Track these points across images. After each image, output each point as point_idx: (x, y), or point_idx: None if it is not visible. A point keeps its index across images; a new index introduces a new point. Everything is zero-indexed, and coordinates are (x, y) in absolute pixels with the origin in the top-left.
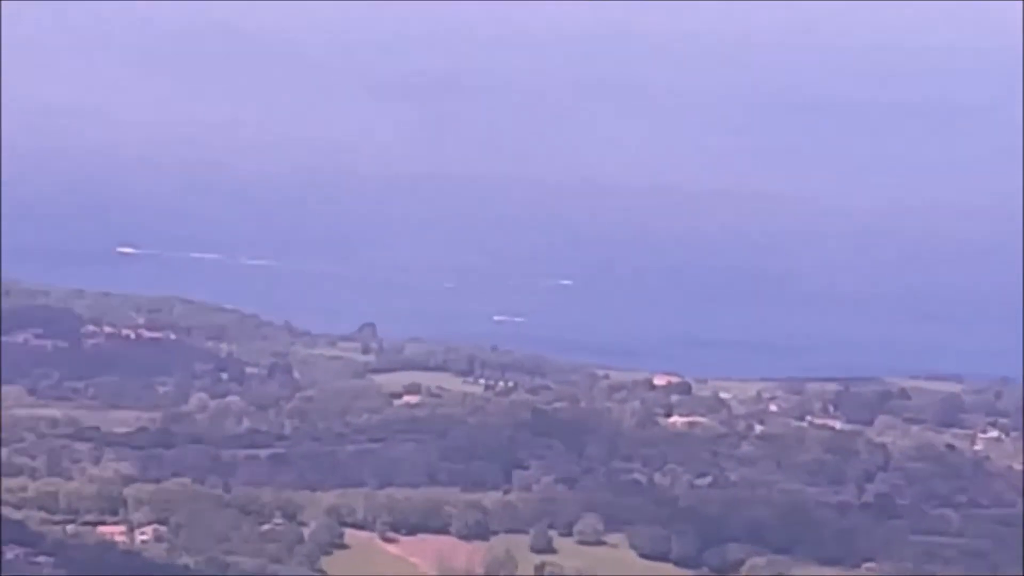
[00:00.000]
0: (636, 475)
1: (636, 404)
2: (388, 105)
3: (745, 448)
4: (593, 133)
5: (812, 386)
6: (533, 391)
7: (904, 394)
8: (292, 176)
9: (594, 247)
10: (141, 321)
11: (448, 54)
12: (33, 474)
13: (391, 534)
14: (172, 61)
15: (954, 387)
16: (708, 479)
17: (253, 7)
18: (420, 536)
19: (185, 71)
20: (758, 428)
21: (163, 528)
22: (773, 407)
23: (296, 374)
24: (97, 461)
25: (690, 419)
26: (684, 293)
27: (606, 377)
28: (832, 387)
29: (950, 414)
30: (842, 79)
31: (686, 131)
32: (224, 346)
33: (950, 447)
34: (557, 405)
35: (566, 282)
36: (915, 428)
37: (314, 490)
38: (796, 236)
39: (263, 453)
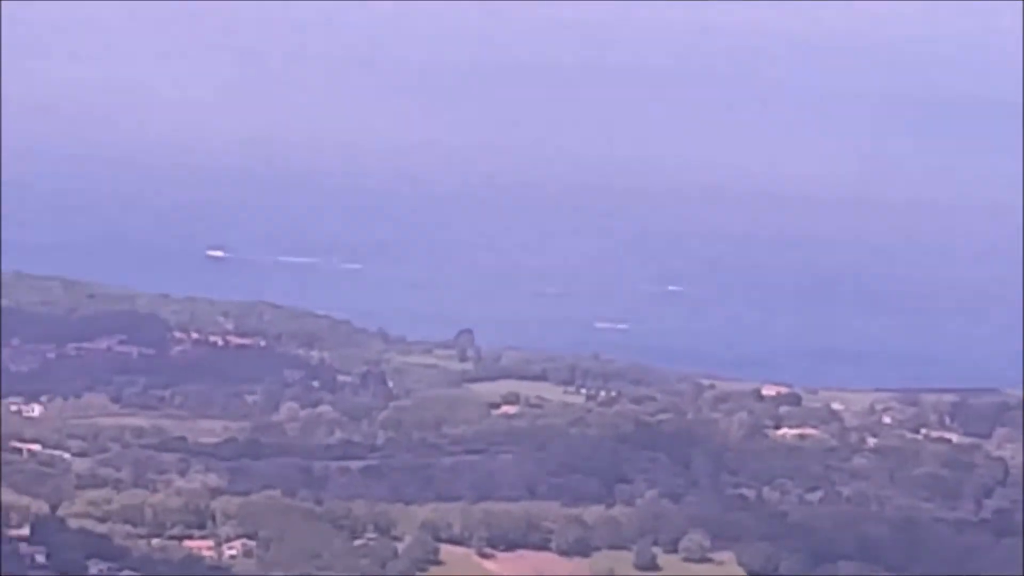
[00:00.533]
0: (744, 489)
1: (744, 415)
2: (480, 104)
3: (857, 461)
4: (705, 136)
5: (928, 397)
6: (637, 401)
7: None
8: (388, 181)
9: (704, 253)
10: (229, 327)
11: (558, 48)
12: (117, 486)
13: (488, 550)
14: (273, 69)
15: None
16: (819, 494)
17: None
18: (518, 552)
19: (278, 77)
20: (871, 441)
21: (252, 542)
22: (887, 419)
23: (390, 383)
24: (184, 472)
25: (800, 431)
26: (795, 301)
27: (712, 387)
28: (949, 398)
29: None
30: (981, 79)
31: (804, 134)
32: (315, 353)
33: None
34: (661, 416)
35: (674, 288)
36: None
37: (408, 503)
38: (910, 243)
39: (356, 465)
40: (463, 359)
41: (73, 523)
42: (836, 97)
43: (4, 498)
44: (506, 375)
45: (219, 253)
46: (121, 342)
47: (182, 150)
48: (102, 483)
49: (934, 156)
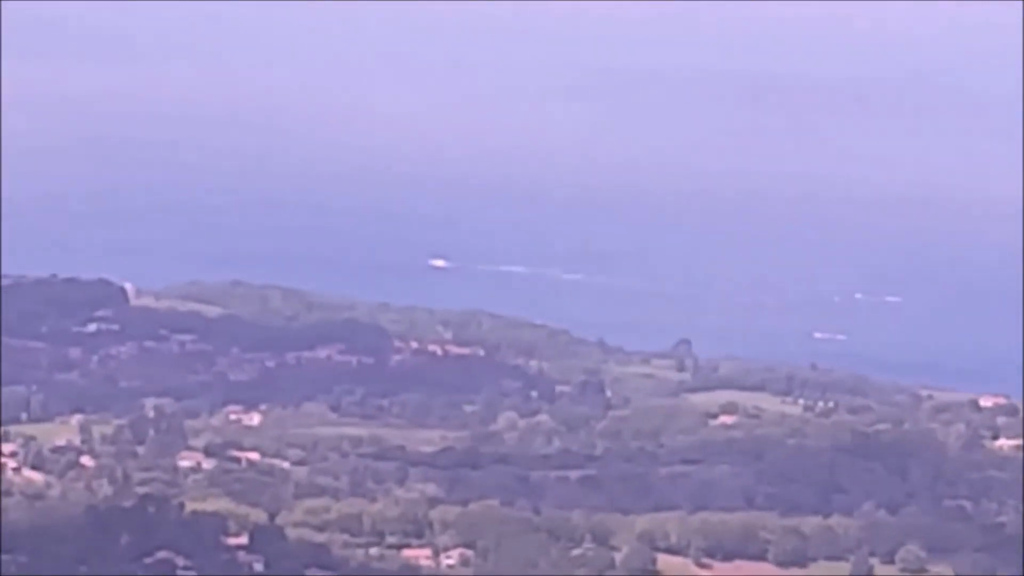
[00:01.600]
0: (961, 501)
1: (961, 426)
2: (701, 114)
3: None
4: (925, 140)
5: None
6: (854, 412)
7: None
8: (613, 191)
9: (922, 263)
10: (448, 336)
11: (752, 53)
12: (336, 495)
13: (706, 560)
14: (494, 77)
15: None
16: None
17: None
18: (736, 562)
19: (500, 85)
20: None
21: (470, 552)
22: None
23: (608, 392)
24: (402, 482)
25: (1018, 442)
26: (1014, 310)
27: (930, 398)
28: None
29: None
30: None
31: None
32: (534, 363)
33: None
34: (879, 427)
35: (893, 299)
36: None
37: (626, 513)
38: None
39: (573, 474)
40: (681, 369)
41: (291, 532)
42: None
43: (223, 507)
44: (724, 385)
45: (441, 263)
46: (340, 351)
47: (406, 160)
48: (320, 492)
49: None
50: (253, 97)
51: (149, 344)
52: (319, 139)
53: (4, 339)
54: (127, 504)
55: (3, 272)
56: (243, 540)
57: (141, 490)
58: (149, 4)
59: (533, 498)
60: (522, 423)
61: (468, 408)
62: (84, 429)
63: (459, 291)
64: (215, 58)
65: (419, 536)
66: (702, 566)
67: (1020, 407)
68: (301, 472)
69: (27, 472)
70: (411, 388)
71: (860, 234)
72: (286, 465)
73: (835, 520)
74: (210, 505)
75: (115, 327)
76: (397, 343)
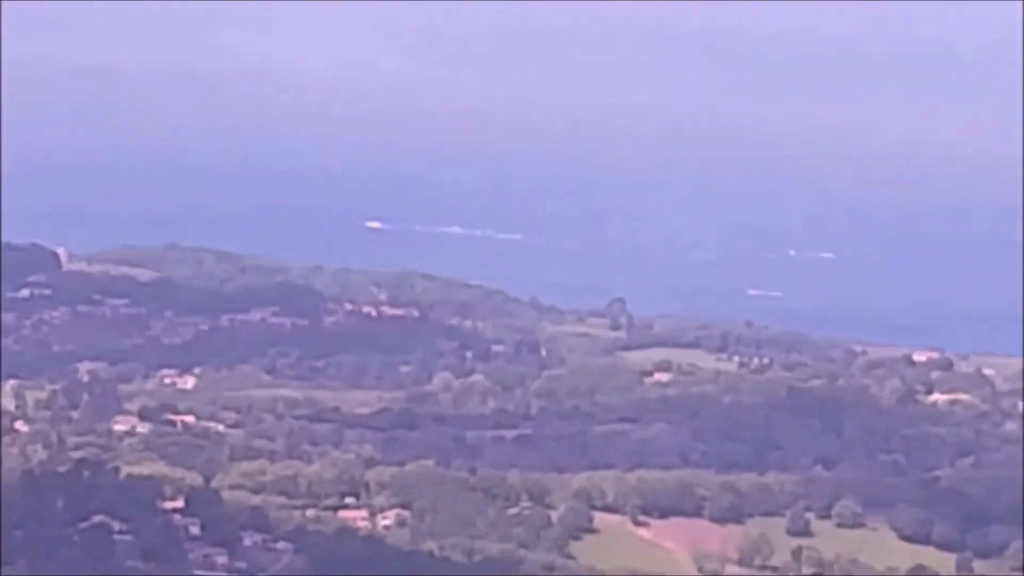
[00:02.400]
0: (896, 455)
1: (896, 381)
2: (633, 74)
3: (1009, 426)
4: (855, 103)
5: None
6: (789, 368)
7: None
8: (544, 151)
9: (857, 220)
10: (383, 298)
11: (703, 9)
12: (272, 457)
13: (642, 518)
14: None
15: None
16: (971, 459)
17: None
18: (672, 519)
19: (424, 43)
20: (1022, 406)
21: (406, 513)
22: None
23: (543, 352)
24: (337, 443)
25: (952, 397)
26: (947, 266)
27: (864, 353)
28: None
29: None
30: None
31: (957, 101)
32: (469, 323)
33: None
34: (814, 383)
35: (828, 255)
36: None
37: (562, 472)
38: None
39: (509, 434)
40: (616, 327)
41: (227, 495)
42: (997, 64)
43: (158, 470)
44: (659, 343)
45: (375, 224)
46: (274, 314)
47: (340, 121)
48: (256, 455)
49: None
50: (185, 57)
51: (83, 309)
52: (252, 101)
53: None
54: (62, 469)
55: None
56: (179, 503)
57: (76, 455)
58: None
59: (469, 458)
60: (457, 383)
61: (403, 369)
62: (18, 395)
63: (394, 253)
64: (150, 16)
65: (355, 497)
66: (639, 524)
67: (953, 361)
68: (236, 435)
69: None
70: (346, 350)
71: (795, 191)
72: (221, 428)
73: (771, 476)
74: (145, 469)
75: (48, 292)
76: (331, 305)
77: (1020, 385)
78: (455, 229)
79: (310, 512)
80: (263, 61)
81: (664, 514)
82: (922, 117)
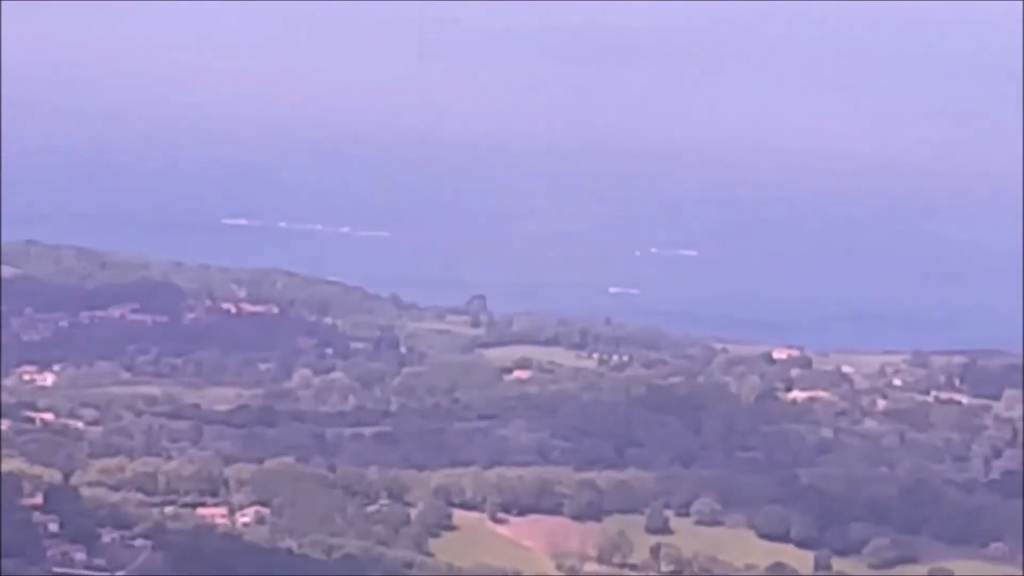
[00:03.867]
0: (755, 452)
1: (755, 379)
2: (498, 71)
3: (867, 424)
4: (718, 98)
5: (937, 359)
6: (648, 365)
7: None
8: (408, 146)
9: (716, 216)
10: (242, 294)
11: (563, 8)
12: (131, 454)
13: (501, 515)
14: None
15: None
16: (829, 456)
17: None
18: (531, 517)
19: (297, 42)
20: (881, 403)
21: (265, 510)
22: (897, 381)
23: (403, 349)
24: (196, 440)
25: (811, 394)
26: (806, 264)
27: (724, 351)
28: (958, 360)
29: None
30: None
31: (818, 96)
32: (328, 320)
33: None
34: (673, 380)
35: (688, 253)
36: None
37: (421, 469)
38: (920, 206)
39: (369, 431)
40: (475, 324)
41: (86, 492)
42: (851, 58)
43: (17, 467)
44: (518, 340)
45: (236, 221)
46: (134, 310)
47: (202, 116)
48: (115, 451)
49: (949, 120)
50: (43, 47)
51: None
52: (115, 94)
53: None
54: None
55: None
56: (37, 500)
57: None
58: None
59: (328, 455)
60: (317, 380)
61: (262, 366)
62: None
63: (255, 249)
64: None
65: (214, 494)
66: (497, 521)
67: (812, 359)
68: (95, 432)
69: None
70: (205, 346)
71: (657, 188)
72: (80, 425)
73: (630, 473)
74: (4, 465)
75: None
76: (191, 302)
77: (878, 383)
78: (317, 226)
79: (169, 509)
80: (122, 54)
81: (523, 511)
82: (792, 112)
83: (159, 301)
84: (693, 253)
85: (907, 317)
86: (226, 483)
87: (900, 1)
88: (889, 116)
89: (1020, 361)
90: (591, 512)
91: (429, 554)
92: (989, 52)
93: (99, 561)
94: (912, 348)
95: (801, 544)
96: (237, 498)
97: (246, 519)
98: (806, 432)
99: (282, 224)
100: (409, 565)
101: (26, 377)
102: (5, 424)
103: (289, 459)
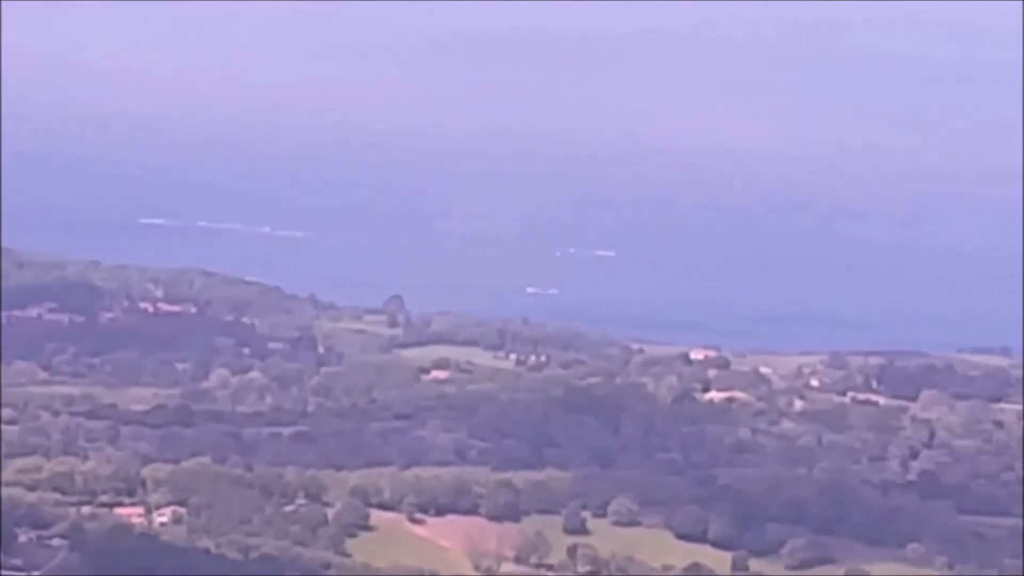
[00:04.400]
0: (672, 453)
1: (673, 379)
2: (419, 71)
3: (785, 424)
4: (632, 97)
5: (855, 360)
6: (566, 366)
7: (949, 368)
8: (327, 147)
9: (634, 217)
10: (160, 294)
11: (487, 9)
12: (47, 454)
13: (418, 515)
14: (205, 29)
15: (1001, 361)
16: (747, 457)
17: None
18: (449, 517)
19: (213, 40)
20: (798, 404)
21: (182, 509)
22: (814, 382)
23: (320, 349)
24: (114, 440)
25: (728, 394)
26: (724, 265)
27: (641, 351)
28: (875, 361)
29: (997, 389)
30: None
31: (737, 95)
32: (246, 320)
33: (997, 423)
34: (591, 380)
35: (606, 253)
36: (960, 403)
37: (339, 469)
38: (838, 206)
39: (286, 431)
40: (393, 325)
41: (3, 492)
42: (768, 59)
43: None
44: (436, 340)
45: (155, 221)
46: (51, 310)
47: (119, 114)
48: (32, 451)
49: (868, 119)
50: None
51: None
52: (31, 94)
53: None
54: None
55: None
56: None
57: None
58: None
59: (246, 455)
60: (234, 380)
61: (180, 366)
62: None
63: (173, 249)
64: None
65: (131, 494)
66: (415, 521)
67: (730, 359)
68: (12, 431)
69: None
70: (122, 346)
71: (574, 189)
72: None
73: (547, 474)
74: None
75: None
76: (108, 301)
77: (796, 384)
78: (236, 226)
79: (86, 509)
80: (37, 54)
81: (440, 511)
82: (712, 114)
83: (76, 301)
84: (610, 254)
85: (824, 318)
86: (143, 483)
87: (812, 1)
88: (809, 116)
89: (937, 362)
90: (508, 512)
91: (346, 554)
92: (902, 52)
93: (16, 561)
94: (829, 349)
95: (718, 544)
96: (154, 498)
97: (163, 519)
98: (723, 433)
99: (202, 224)
100: (326, 565)
101: None
102: None
103: (206, 459)
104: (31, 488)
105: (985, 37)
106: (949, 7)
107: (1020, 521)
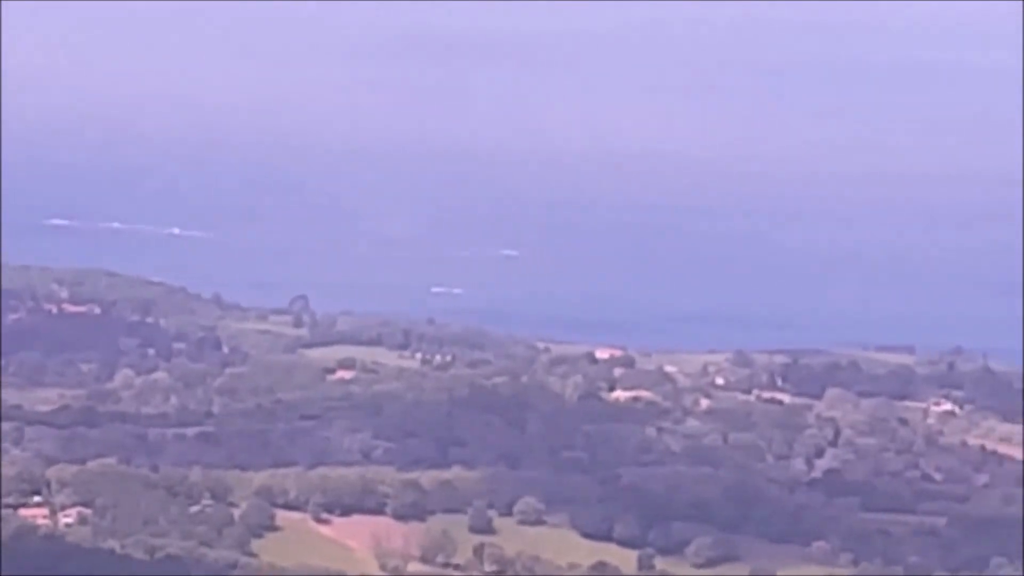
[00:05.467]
0: (578, 452)
1: (578, 378)
2: (329, 70)
3: (691, 423)
4: (538, 99)
5: (760, 359)
6: (472, 365)
7: (854, 366)
8: (236, 147)
9: (539, 217)
10: (64, 295)
11: (411, 10)
12: None
13: (324, 515)
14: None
15: (906, 358)
16: (652, 455)
17: None
18: (354, 517)
19: (135, 36)
20: (704, 402)
21: (87, 511)
22: (719, 380)
23: (225, 349)
24: (18, 441)
25: (634, 393)
26: (629, 264)
27: (547, 350)
28: (780, 359)
29: (901, 386)
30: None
31: (643, 97)
32: (151, 320)
33: (902, 421)
34: (497, 380)
35: (511, 253)
36: (865, 401)
37: (244, 470)
38: (744, 205)
39: (191, 432)
40: (298, 325)
41: None
42: (677, 61)
43: None
44: (341, 340)
45: (60, 222)
46: None
47: (27, 113)
48: None
49: (772, 122)
50: None
51: None
52: None
53: None
54: None
55: None
56: None
57: None
58: None
59: (151, 456)
60: (139, 381)
61: (84, 366)
62: None
63: (77, 249)
64: None
65: (36, 495)
66: (321, 521)
67: (635, 358)
68: None
69: None
70: (27, 347)
71: (478, 188)
72: None
73: (453, 473)
74: None
75: None
76: (12, 302)
77: (701, 382)
78: (142, 227)
79: None
80: None
81: (346, 511)
82: (616, 115)
83: None
84: (515, 253)
85: (730, 317)
86: (48, 484)
87: (728, 2)
88: (713, 119)
89: (841, 360)
90: (414, 512)
91: (252, 555)
92: (826, 55)
93: None
94: (735, 348)
95: (624, 543)
96: (59, 499)
97: (68, 520)
98: (629, 432)
99: (107, 224)
100: (232, 565)
101: None
102: None
103: (111, 460)
104: None
105: (902, 37)
106: (874, 7)
107: (923, 519)
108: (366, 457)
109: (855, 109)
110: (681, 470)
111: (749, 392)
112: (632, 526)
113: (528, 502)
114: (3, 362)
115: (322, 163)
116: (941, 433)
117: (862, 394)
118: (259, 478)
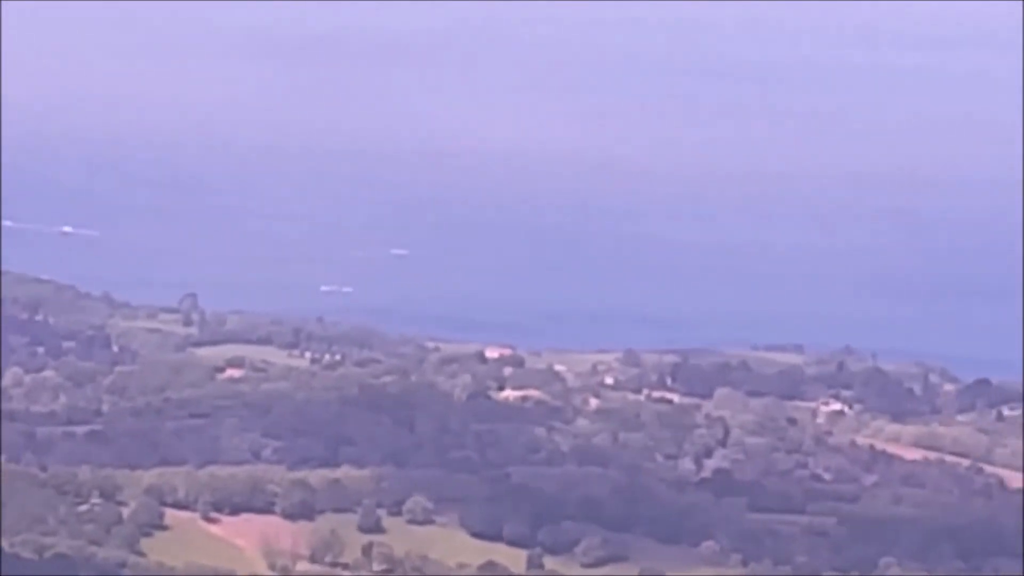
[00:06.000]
0: (467, 451)
1: (467, 378)
2: (214, 66)
3: (580, 423)
4: (427, 97)
5: (649, 358)
6: (361, 364)
7: (744, 366)
8: (118, 144)
9: (429, 216)
10: None
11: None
12: None
13: (213, 514)
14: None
15: (795, 358)
16: (541, 455)
17: None
18: (243, 516)
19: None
20: (593, 402)
21: None
22: (609, 380)
23: (115, 348)
24: None
25: (523, 393)
26: (518, 264)
27: (437, 350)
28: (670, 359)
29: (791, 386)
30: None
31: (531, 96)
32: (40, 318)
33: (791, 420)
34: (386, 379)
35: (400, 252)
36: (755, 401)
37: (133, 468)
38: (633, 203)
39: (80, 430)
40: (188, 323)
41: None
42: (563, 59)
43: None
44: (231, 339)
45: None
46: None
47: None
48: None
49: (664, 119)
50: None
51: None
52: None
53: None
54: None
55: None
56: None
57: None
58: None
59: (39, 454)
60: (28, 379)
61: None
62: None
63: None
64: None
65: None
66: (210, 520)
67: (524, 358)
68: None
69: None
70: None
71: (367, 187)
72: None
73: (342, 472)
74: None
75: None
76: None
77: (591, 382)
78: (31, 225)
79: None
80: None
81: (235, 510)
82: (505, 114)
83: None
84: (404, 252)
85: (619, 316)
86: None
87: (611, 1)
88: (601, 116)
89: (732, 360)
90: (303, 511)
91: (141, 553)
92: (715, 53)
93: None
94: (624, 347)
95: (513, 543)
96: None
97: None
98: (518, 431)
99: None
100: (121, 564)
101: None
102: None
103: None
104: None
105: (804, 36)
106: (757, 7)
107: (812, 519)
108: (255, 456)
109: (751, 110)
110: (570, 470)
111: (639, 392)
112: (521, 526)
113: (417, 501)
114: None
115: (212, 162)
116: (830, 433)
117: (751, 394)
118: (148, 477)
